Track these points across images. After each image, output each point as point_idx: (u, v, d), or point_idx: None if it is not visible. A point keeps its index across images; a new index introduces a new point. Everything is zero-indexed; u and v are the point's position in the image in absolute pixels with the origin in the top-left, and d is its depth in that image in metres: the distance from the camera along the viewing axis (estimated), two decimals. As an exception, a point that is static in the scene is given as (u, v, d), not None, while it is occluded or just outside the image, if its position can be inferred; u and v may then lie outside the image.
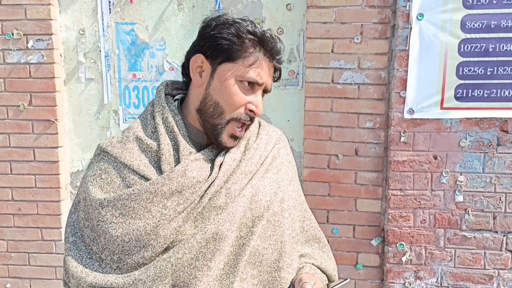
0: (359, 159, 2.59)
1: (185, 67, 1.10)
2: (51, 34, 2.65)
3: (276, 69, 1.09)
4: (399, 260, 2.54)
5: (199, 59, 1.05)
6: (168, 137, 1.05)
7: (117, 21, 2.75)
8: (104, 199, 1.02)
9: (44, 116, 2.71)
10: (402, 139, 2.47)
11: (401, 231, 2.53)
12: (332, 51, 2.53)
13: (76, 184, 2.89)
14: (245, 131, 1.10)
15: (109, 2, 2.73)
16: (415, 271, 2.54)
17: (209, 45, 1.03)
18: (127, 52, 2.78)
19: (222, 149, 1.09)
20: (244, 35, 1.01)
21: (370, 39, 2.49)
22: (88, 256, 1.04)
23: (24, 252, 2.81)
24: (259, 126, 1.19)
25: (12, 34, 2.65)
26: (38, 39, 2.66)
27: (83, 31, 2.76)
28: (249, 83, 1.03)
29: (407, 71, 2.41)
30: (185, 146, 1.05)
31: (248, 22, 1.04)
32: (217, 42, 1.02)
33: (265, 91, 1.09)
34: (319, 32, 2.52)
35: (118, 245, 1.00)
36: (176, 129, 1.05)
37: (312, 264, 1.17)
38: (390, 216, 2.52)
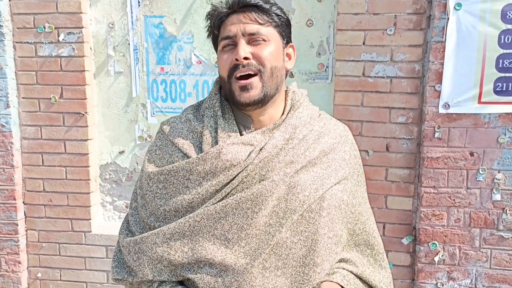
0: (390, 155, 2.51)
1: None
2: (82, 27, 2.68)
3: (255, 12, 1.09)
4: (431, 260, 2.45)
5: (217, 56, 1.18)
6: (213, 120, 1.12)
7: (145, 14, 2.75)
8: (151, 172, 1.12)
9: (74, 109, 2.75)
10: (437, 134, 2.37)
11: (434, 230, 2.44)
12: (363, 43, 2.45)
13: (105, 177, 2.92)
14: (262, 80, 1.09)
15: (138, -5, 2.73)
16: (448, 272, 2.45)
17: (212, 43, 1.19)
18: (155, 45, 2.77)
19: (268, 134, 1.11)
20: (211, 18, 1.14)
21: (404, 30, 2.40)
22: (141, 219, 1.16)
23: (55, 243, 2.87)
24: (318, 117, 1.18)
25: (44, 28, 2.69)
26: (69, 32, 2.69)
27: (112, 24, 2.77)
28: (228, 45, 1.09)
29: (443, 64, 2.31)
30: (224, 129, 1.10)
31: (214, 6, 1.13)
32: (212, 40, 1.18)
33: (258, 39, 1.08)
34: (350, 24, 2.44)
35: (161, 214, 1.10)
36: (219, 113, 1.12)
37: (351, 271, 1.10)
38: (422, 214, 2.44)
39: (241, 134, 1.12)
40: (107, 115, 2.87)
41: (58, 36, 2.70)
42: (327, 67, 2.64)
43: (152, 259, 1.07)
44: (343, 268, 1.10)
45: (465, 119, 2.34)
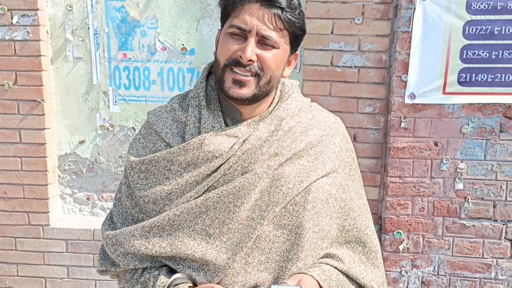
0: (357, 145, 2.51)
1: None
2: (37, 9, 2.52)
3: (277, 15, 0.99)
4: (396, 249, 2.48)
5: (218, 33, 1.09)
6: (197, 110, 1.09)
7: (106, -3, 2.61)
8: (133, 161, 1.10)
9: (30, 96, 2.59)
10: (403, 124, 2.39)
11: (399, 219, 2.47)
12: (331, 32, 2.43)
13: (64, 168, 2.79)
14: (258, 84, 1.03)
15: (98, -24, 2.59)
16: (412, 260, 2.49)
17: (220, 18, 1.08)
18: (117, 30, 2.65)
19: (253, 127, 1.07)
20: None
21: (371, 20, 2.39)
22: (124, 210, 1.14)
23: (11, 237, 2.72)
24: (308, 108, 1.14)
25: (-5, 9, 2.52)
26: (23, 14, 2.52)
27: (70, 7, 2.62)
28: (237, 34, 1.01)
29: (409, 54, 2.33)
30: (208, 120, 1.06)
31: None
32: (221, 13, 1.06)
33: (269, 44, 1.00)
34: (319, 12, 2.41)
35: (141, 205, 1.08)
36: (203, 103, 1.08)
37: (336, 267, 1.06)
38: (388, 203, 2.46)
39: (227, 125, 1.08)
40: (66, 103, 2.73)
41: (12, 18, 2.53)
42: (295, 55, 2.60)
43: (128, 251, 1.06)
44: (326, 263, 1.06)
45: (430, 110, 2.37)
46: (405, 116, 2.38)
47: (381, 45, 2.41)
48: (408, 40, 2.32)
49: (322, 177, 1.06)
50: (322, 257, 1.07)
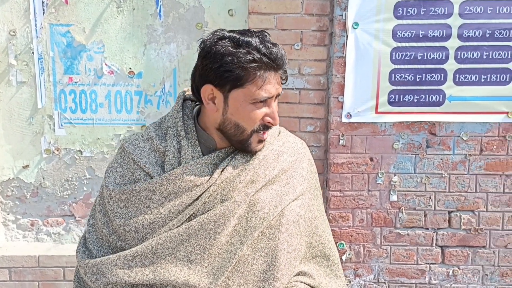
0: (300, 162, 2.65)
1: (194, 90, 1.13)
2: (-22, 34, 2.49)
3: (283, 74, 1.11)
4: (339, 259, 2.63)
5: (208, 89, 1.08)
6: (176, 140, 1.12)
7: (51, 22, 2.63)
8: (113, 190, 1.12)
9: (-30, 121, 2.53)
10: (341, 142, 2.57)
11: (341, 230, 2.62)
12: (273, 57, 2.58)
13: (7, 194, 2.72)
14: (268, 132, 1.14)
15: (43, 2, 2.60)
16: (354, 269, 2.65)
17: (214, 76, 1.06)
18: (63, 54, 2.66)
19: (229, 155, 1.13)
20: (245, 65, 1.03)
21: (309, 46, 2.57)
22: (100, 237, 1.16)
23: None
24: (278, 135, 1.21)
25: None
26: (-37, 39, 2.48)
27: (14, 32, 2.61)
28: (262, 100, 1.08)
29: (344, 77, 2.52)
30: (188, 150, 1.11)
31: (247, 47, 1.04)
32: (222, 74, 1.05)
33: (278, 96, 1.12)
34: (261, 38, 2.56)
35: (121, 233, 1.11)
36: (182, 133, 1.12)
37: (309, 284, 1.14)
38: (330, 216, 2.61)
39: (203, 154, 1.13)
40: (9, 127, 2.68)
41: (-50, 42, 2.48)
42: (240, 79, 2.73)
43: (111, 280, 1.07)
44: (301, 282, 1.13)
45: (365, 128, 2.57)
46: (343, 134, 2.56)
47: (319, 68, 2.60)
48: (343, 64, 2.52)
49: (293, 200, 1.14)
50: (295, 275, 1.14)
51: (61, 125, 2.70)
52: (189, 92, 1.19)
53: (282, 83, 1.11)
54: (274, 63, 1.05)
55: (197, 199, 1.08)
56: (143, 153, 1.14)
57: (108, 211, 1.14)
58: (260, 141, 1.12)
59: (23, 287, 2.63)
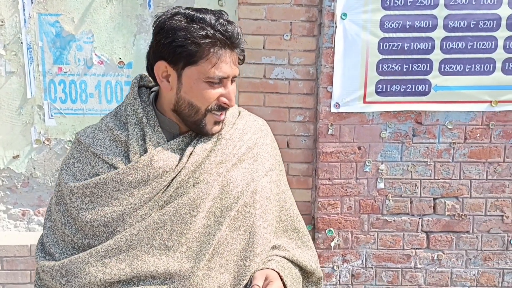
0: (290, 151, 2.70)
1: (149, 69, 1.11)
2: (-35, 23, 2.47)
3: (240, 54, 1.08)
4: (328, 245, 2.70)
5: (162, 66, 1.06)
6: (138, 127, 1.09)
7: (40, 12, 2.61)
8: (75, 186, 1.07)
9: (-42, 111, 2.52)
10: (330, 131, 2.62)
11: (330, 218, 2.69)
12: (263, 47, 2.61)
13: (-3, 184, 2.72)
14: (225, 113, 1.12)
15: (31, -9, 2.59)
16: (342, 255, 2.72)
17: (167, 52, 1.04)
18: (52, 44, 2.65)
19: (194, 138, 1.11)
20: (198, 40, 1.01)
21: (299, 36, 2.60)
22: (62, 239, 1.09)
23: None
24: (238, 115, 1.20)
25: None
26: (-50, 28, 2.46)
27: (2, 21, 2.59)
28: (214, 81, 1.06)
29: (333, 68, 2.56)
30: (152, 137, 1.08)
31: (202, 23, 1.02)
32: (175, 50, 1.03)
33: (234, 77, 1.10)
34: (251, 29, 2.59)
35: (89, 230, 1.05)
36: (144, 120, 1.09)
37: (284, 257, 1.16)
38: (319, 204, 2.67)
39: (167, 140, 1.10)
40: (-2, 118, 2.68)
41: None
42: (230, 69, 2.75)
43: (84, 281, 1.01)
44: (277, 255, 1.15)
45: (353, 117, 2.62)
46: (331, 123, 2.61)
47: (308, 59, 2.63)
48: (331, 55, 2.56)
49: (263, 176, 1.14)
50: (270, 249, 1.16)
51: (51, 116, 2.70)
52: (142, 82, 1.18)
53: (239, 64, 1.09)
54: (229, 41, 1.03)
55: (168, 185, 1.06)
56: (104, 145, 1.09)
57: (70, 209, 1.08)
58: (216, 122, 1.09)
59: (16, 276, 2.65)
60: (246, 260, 1.08)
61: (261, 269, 1.09)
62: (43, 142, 2.71)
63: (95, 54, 2.67)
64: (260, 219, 1.11)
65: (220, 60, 1.03)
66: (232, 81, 1.09)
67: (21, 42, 2.62)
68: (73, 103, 2.71)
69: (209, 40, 1.01)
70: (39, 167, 2.73)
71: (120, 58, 2.68)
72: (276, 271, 1.09)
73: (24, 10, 2.59)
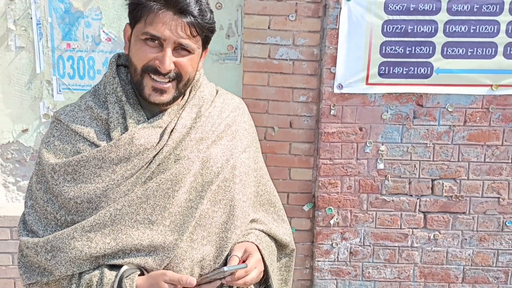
0: (293, 131, 2.76)
1: None
2: (-23, -3, 2.51)
3: (190, 23, 1.05)
4: (328, 223, 2.77)
5: (127, 27, 1.12)
6: (118, 106, 1.11)
7: (49, -13, 2.65)
8: (56, 164, 1.08)
9: (-30, 84, 2.58)
10: (332, 112, 2.67)
11: (330, 196, 2.75)
12: (268, 28, 2.65)
13: (7, 156, 2.79)
14: (177, 87, 1.10)
15: (41, -33, 2.62)
16: (341, 233, 2.79)
17: (128, 14, 1.10)
18: (61, 20, 2.70)
19: (174, 116, 1.13)
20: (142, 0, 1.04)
21: (303, 17, 2.64)
22: (44, 216, 1.11)
23: (-50, 228, 2.69)
24: (216, 94, 1.23)
25: None
26: (-39, 2, 2.51)
27: (12, -4, 2.63)
28: (153, 39, 1.05)
29: (337, 49, 2.60)
30: (132, 114, 1.10)
31: None
32: (128, 9, 1.09)
33: (184, 49, 1.07)
34: (257, 9, 2.62)
35: (72, 206, 1.07)
36: (124, 98, 1.11)
37: (262, 230, 1.21)
38: (320, 183, 2.73)
39: (147, 117, 1.12)
40: (8, 92, 2.73)
41: (-52, 5, 2.50)
42: (236, 48, 2.80)
43: (70, 255, 1.04)
44: (255, 229, 1.21)
45: (355, 98, 2.66)
46: (334, 104, 2.66)
47: (313, 40, 2.67)
48: (335, 36, 2.60)
49: (242, 153, 1.19)
50: (249, 222, 1.21)
51: (59, 91, 2.76)
52: (120, 60, 1.18)
53: (192, 35, 1.06)
54: (172, 3, 1.03)
55: (150, 162, 1.08)
56: (84, 123, 1.10)
57: (52, 186, 1.09)
58: (155, 89, 1.07)
59: (24, 246, 2.74)
60: (227, 232, 1.13)
61: (241, 242, 1.14)
62: (52, 117, 2.77)
63: (103, 31, 2.72)
64: (239, 193, 1.16)
65: (158, 19, 1.03)
66: (181, 50, 1.07)
67: (31, 18, 2.66)
68: (81, 79, 2.77)
69: (150, 2, 1.03)
70: (48, 141, 2.80)
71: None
72: (255, 244, 1.15)
73: (34, -15, 2.63)
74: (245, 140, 1.22)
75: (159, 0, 1.03)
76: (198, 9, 1.06)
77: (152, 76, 1.07)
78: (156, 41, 1.05)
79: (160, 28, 1.03)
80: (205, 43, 1.14)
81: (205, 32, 1.09)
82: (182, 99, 1.16)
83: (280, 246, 1.27)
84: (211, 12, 1.12)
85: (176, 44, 1.05)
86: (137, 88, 1.10)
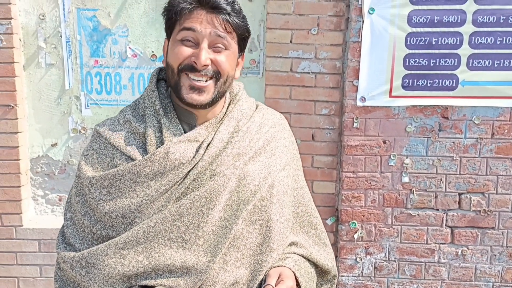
0: (315, 144, 2.75)
1: None
2: (10, 18, 2.62)
3: (225, 19, 1.05)
4: (351, 238, 2.74)
5: (165, 42, 1.13)
6: (155, 119, 1.10)
7: (78, 6, 2.75)
8: (93, 177, 1.08)
9: (3, 101, 2.68)
10: (355, 125, 2.65)
11: (353, 210, 2.72)
12: (291, 41, 2.67)
13: (36, 170, 2.88)
14: (216, 86, 1.08)
15: (71, -13, 2.72)
16: (365, 247, 2.75)
17: (164, 28, 1.12)
18: (89, 38, 2.79)
19: (211, 130, 1.11)
20: (176, 8, 1.06)
21: (326, 30, 2.65)
22: (81, 229, 1.11)
23: (-18, 239, 2.78)
24: (256, 108, 1.21)
25: (-32, 17, 2.60)
26: (-4, 22, 2.62)
27: (43, 16, 2.74)
28: (189, 40, 1.05)
29: (359, 62, 2.59)
30: (169, 128, 1.08)
31: None
32: (164, 20, 1.11)
33: (220, 47, 1.06)
34: (279, 23, 2.65)
35: (107, 221, 1.06)
36: (161, 112, 1.10)
37: (301, 255, 1.15)
38: (343, 196, 2.71)
39: (185, 131, 1.11)
40: (38, 107, 2.83)
41: (-16, 25, 2.62)
42: (258, 62, 2.82)
43: (103, 273, 1.02)
44: (294, 253, 1.14)
45: (379, 111, 2.64)
46: (357, 117, 2.65)
47: (335, 53, 2.67)
48: (358, 49, 2.59)
49: (280, 171, 1.14)
50: (288, 245, 1.15)
51: (87, 106, 2.84)
52: (161, 74, 1.19)
53: (227, 31, 1.06)
54: (201, 1, 1.04)
55: (185, 177, 1.05)
56: (122, 137, 1.10)
57: (89, 200, 1.08)
58: (193, 88, 1.06)
59: (52, 258, 2.80)
60: (262, 254, 1.08)
61: (277, 266, 1.09)
62: (80, 131, 2.85)
63: (129, 48, 2.79)
64: (277, 214, 1.10)
65: (193, 18, 1.04)
66: (217, 47, 1.06)
67: (61, 36, 2.76)
68: (108, 95, 2.84)
69: (183, 3, 1.05)
70: (76, 155, 2.87)
71: (152, 52, 2.79)
72: (292, 271, 1.09)
73: (63, 5, 2.73)
74: (285, 157, 1.17)
75: (193, 2, 1.05)
76: (231, 8, 1.06)
77: (189, 74, 1.05)
78: (192, 41, 1.05)
79: (195, 22, 1.04)
80: (240, 45, 1.12)
81: (240, 30, 1.08)
82: (220, 112, 1.15)
83: (321, 271, 1.21)
84: (243, 12, 1.11)
85: (213, 37, 1.04)
86: (175, 90, 1.08)
